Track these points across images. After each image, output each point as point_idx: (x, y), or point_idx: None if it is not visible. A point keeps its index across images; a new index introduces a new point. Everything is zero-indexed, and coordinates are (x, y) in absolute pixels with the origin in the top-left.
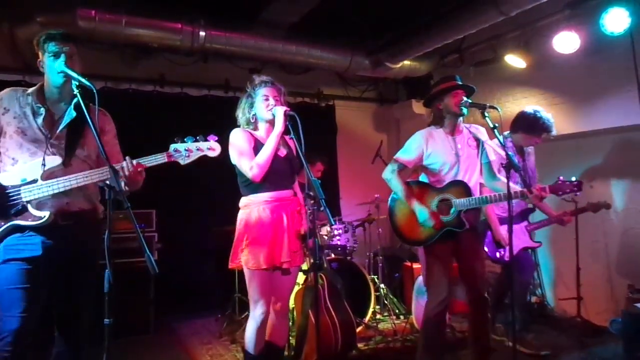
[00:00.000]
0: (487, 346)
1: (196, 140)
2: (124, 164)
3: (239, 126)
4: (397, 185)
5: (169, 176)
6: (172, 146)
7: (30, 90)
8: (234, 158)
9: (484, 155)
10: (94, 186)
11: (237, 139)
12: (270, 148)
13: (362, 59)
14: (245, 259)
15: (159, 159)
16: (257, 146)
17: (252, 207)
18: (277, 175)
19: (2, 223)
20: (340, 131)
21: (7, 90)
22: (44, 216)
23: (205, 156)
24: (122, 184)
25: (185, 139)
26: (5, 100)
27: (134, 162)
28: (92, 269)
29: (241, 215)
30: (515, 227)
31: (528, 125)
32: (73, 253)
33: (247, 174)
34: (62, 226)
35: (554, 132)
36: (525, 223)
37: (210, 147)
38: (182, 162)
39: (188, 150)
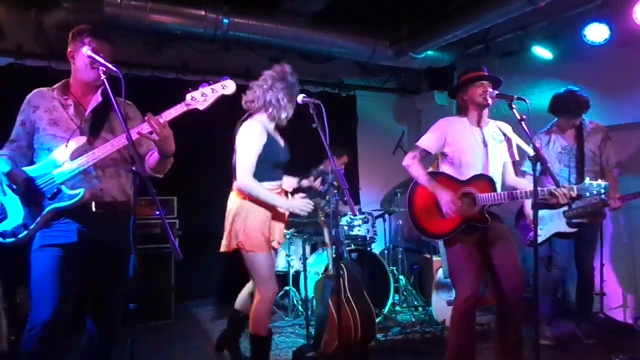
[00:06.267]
0: (517, 349)
1: (210, 84)
2: (145, 122)
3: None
4: (417, 170)
5: (190, 163)
6: (188, 95)
7: (55, 86)
8: (240, 153)
9: (509, 153)
10: (126, 175)
11: (255, 137)
12: (270, 200)
13: (385, 49)
14: (255, 242)
15: (177, 109)
16: (269, 142)
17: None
18: (281, 167)
19: (42, 210)
20: (360, 121)
21: (32, 92)
22: (79, 193)
23: (223, 96)
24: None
25: (198, 87)
26: (34, 100)
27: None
28: (124, 261)
29: (246, 201)
30: (552, 211)
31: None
32: (107, 243)
33: (238, 178)
34: (97, 214)
35: (584, 112)
36: (564, 208)
37: (224, 86)
38: (200, 107)
39: (204, 94)
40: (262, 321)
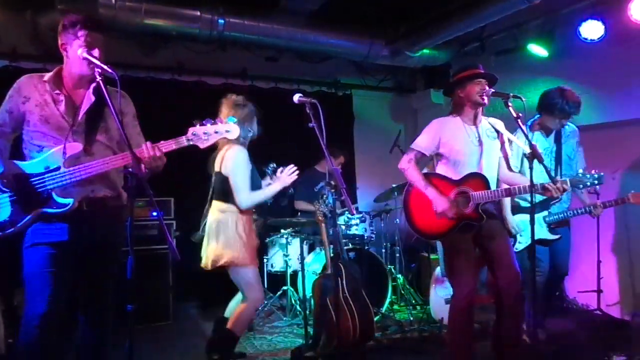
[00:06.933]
0: (515, 347)
1: (214, 123)
2: (144, 147)
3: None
4: (413, 175)
5: (187, 165)
6: (191, 130)
7: (46, 76)
8: (237, 177)
9: (502, 149)
10: (116, 173)
11: (245, 162)
12: (270, 193)
13: (381, 47)
14: (247, 257)
15: (179, 142)
16: (252, 169)
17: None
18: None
19: (30, 211)
20: (357, 120)
21: (23, 78)
22: (69, 203)
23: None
24: (142, 167)
25: (203, 122)
26: (24, 89)
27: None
28: (116, 256)
29: (234, 220)
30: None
31: (548, 106)
32: (98, 239)
33: (241, 200)
34: (87, 212)
35: (576, 113)
36: (545, 213)
37: (228, 130)
38: (201, 145)
39: (206, 134)
40: (243, 323)
